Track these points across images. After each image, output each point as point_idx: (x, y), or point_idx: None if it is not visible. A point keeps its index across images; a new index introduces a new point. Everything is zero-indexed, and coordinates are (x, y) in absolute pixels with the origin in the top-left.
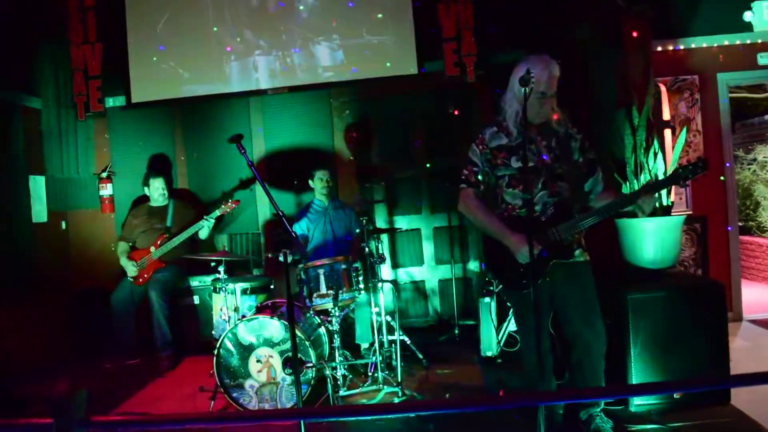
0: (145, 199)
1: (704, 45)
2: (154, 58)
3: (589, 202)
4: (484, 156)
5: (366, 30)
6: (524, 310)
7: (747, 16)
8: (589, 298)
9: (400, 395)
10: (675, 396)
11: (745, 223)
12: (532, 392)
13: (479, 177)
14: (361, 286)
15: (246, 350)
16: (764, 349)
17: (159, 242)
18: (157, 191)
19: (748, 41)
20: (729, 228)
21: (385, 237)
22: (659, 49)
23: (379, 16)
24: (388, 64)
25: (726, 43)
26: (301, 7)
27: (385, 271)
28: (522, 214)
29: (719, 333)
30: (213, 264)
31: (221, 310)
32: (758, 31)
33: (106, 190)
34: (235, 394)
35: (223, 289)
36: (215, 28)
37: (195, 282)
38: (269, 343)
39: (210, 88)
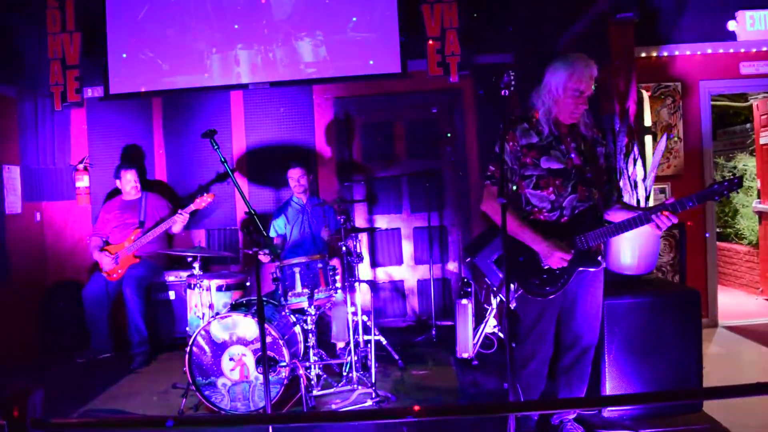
0: (119, 192)
1: (687, 52)
2: (134, 49)
3: (604, 210)
4: (514, 153)
5: (350, 27)
6: (539, 317)
7: (731, 25)
8: (598, 304)
9: (373, 396)
10: None
11: (723, 230)
12: (504, 403)
13: (507, 175)
14: (338, 285)
15: (219, 348)
16: (738, 355)
17: (133, 237)
18: (129, 184)
19: (732, 50)
20: (707, 234)
21: (364, 236)
22: (643, 55)
23: (363, 13)
24: (371, 62)
25: (709, 51)
26: (285, 1)
27: (364, 270)
28: (551, 218)
29: (694, 341)
30: (189, 259)
31: (195, 306)
32: (742, 41)
33: (83, 182)
34: (207, 392)
35: (198, 285)
36: (200, 20)
37: (171, 277)
38: (243, 342)
39: (190, 81)
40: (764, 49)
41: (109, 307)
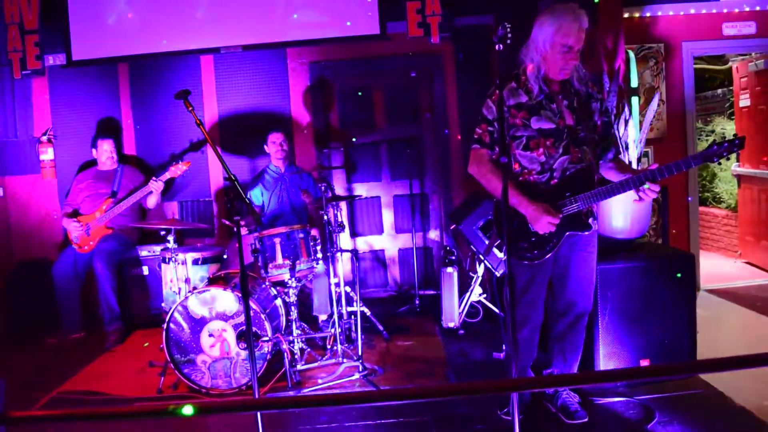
0: (93, 164)
1: (671, 13)
2: (97, 13)
3: (600, 167)
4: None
5: None
6: (529, 282)
7: None
8: (591, 269)
9: (360, 369)
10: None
11: (701, 194)
12: (506, 380)
13: (494, 137)
14: (319, 255)
15: (197, 324)
16: (723, 318)
17: (104, 207)
18: (105, 154)
19: (714, 10)
20: (689, 198)
21: (343, 205)
22: (626, 15)
23: None
24: (348, 23)
25: (692, 11)
26: None
27: (344, 239)
28: (540, 180)
29: (687, 306)
30: (162, 233)
31: (171, 281)
32: (724, 1)
33: (47, 155)
34: (186, 370)
35: (173, 259)
36: None
37: (144, 252)
38: (222, 317)
39: (158, 45)
40: (746, 9)
41: (79, 284)
